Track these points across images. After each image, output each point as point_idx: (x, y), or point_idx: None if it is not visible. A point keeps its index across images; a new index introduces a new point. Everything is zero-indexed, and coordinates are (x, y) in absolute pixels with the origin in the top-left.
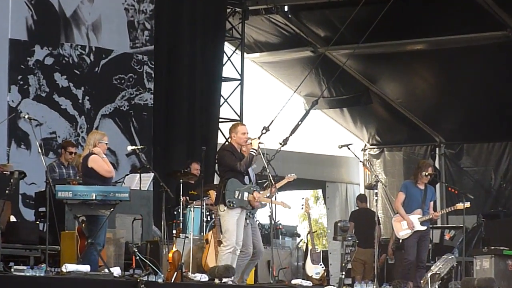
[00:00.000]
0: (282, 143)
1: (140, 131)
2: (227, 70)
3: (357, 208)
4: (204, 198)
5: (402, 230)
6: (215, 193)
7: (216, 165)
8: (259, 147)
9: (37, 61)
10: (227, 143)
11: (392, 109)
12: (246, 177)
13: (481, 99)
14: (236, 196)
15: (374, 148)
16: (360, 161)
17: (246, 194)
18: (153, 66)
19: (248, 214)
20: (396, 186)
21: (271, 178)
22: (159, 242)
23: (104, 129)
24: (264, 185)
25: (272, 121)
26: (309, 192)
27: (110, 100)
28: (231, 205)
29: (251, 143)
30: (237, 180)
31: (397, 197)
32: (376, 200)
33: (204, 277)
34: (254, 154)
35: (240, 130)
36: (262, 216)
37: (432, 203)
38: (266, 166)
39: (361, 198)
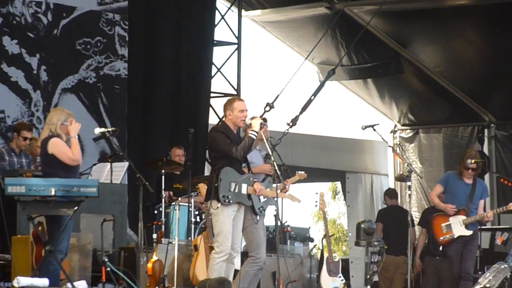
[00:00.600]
0: (291, 124)
1: (111, 109)
2: (221, 32)
3: (385, 205)
4: (192, 194)
5: (443, 235)
6: (206, 187)
7: (207, 151)
8: (261, 128)
9: None
10: (220, 123)
11: (429, 80)
12: (244, 164)
13: None
14: (232, 189)
15: (407, 129)
16: (389, 146)
17: (244, 186)
18: (127, 28)
19: (260, 209)
20: (434, 178)
21: (276, 168)
22: (136, 249)
23: (65, 107)
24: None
25: (278, 95)
26: (325, 185)
27: (73, 71)
28: (226, 200)
29: (250, 123)
30: (232, 169)
31: (434, 189)
32: (409, 196)
33: None
34: (254, 137)
35: (237, 107)
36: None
37: (482, 202)
38: (270, 153)
39: (390, 194)
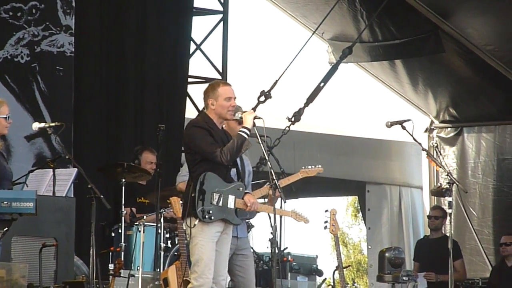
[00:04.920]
0: (293, 119)
1: (52, 98)
2: None
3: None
4: (162, 210)
5: None
6: (181, 201)
7: (183, 153)
8: (254, 124)
9: None
10: (200, 115)
11: (477, 62)
12: (233, 170)
13: None
14: (214, 202)
15: (447, 127)
16: (423, 149)
17: (231, 198)
18: None
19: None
20: (482, 192)
21: (273, 176)
22: (86, 285)
23: None
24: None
25: (276, 81)
26: (338, 200)
27: None
28: (207, 216)
29: (241, 117)
30: (216, 175)
31: None
32: (450, 215)
33: None
34: (246, 136)
35: (223, 94)
36: (257, 238)
37: None
38: (266, 157)
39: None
